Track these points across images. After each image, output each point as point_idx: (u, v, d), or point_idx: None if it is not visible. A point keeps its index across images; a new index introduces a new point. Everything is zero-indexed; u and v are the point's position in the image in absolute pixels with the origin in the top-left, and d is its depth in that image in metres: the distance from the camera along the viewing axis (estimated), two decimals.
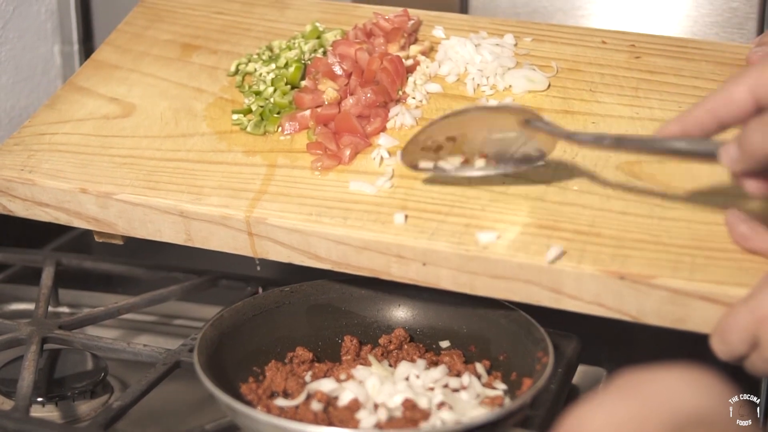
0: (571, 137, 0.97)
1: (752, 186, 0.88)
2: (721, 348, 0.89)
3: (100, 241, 1.13)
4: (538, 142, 0.99)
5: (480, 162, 1.01)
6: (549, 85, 1.14)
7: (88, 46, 1.55)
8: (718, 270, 0.91)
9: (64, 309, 1.31)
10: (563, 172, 1.03)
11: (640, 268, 0.92)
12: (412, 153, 1.02)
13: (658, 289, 0.91)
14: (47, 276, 1.25)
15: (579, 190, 1.00)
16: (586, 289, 0.93)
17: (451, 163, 1.02)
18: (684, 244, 0.94)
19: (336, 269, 1.02)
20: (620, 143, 0.94)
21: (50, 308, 1.25)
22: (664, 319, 0.92)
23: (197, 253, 1.08)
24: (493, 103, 1.04)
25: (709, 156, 0.88)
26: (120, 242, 1.12)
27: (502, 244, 0.96)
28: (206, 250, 1.06)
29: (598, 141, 0.95)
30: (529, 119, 0.98)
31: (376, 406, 0.96)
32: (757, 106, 0.86)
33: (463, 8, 1.39)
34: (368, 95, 1.10)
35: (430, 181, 1.03)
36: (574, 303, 0.94)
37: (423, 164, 1.02)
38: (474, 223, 0.98)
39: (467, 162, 1.02)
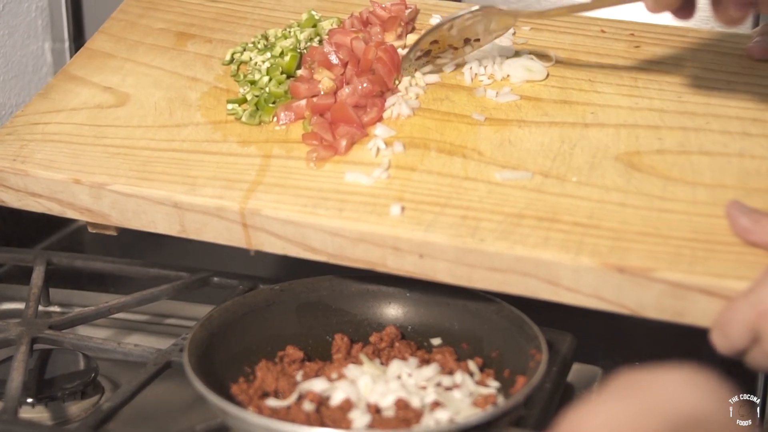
0: (520, 14, 1.12)
1: (679, 16, 0.98)
2: (721, 342, 0.88)
3: (94, 231, 1.12)
4: (500, 21, 1.12)
5: (467, 47, 1.14)
6: (547, 75, 1.13)
7: (79, 44, 1.54)
8: (719, 263, 0.90)
9: (55, 308, 1.29)
10: (561, 163, 1.01)
11: (639, 261, 0.91)
12: (409, 68, 1.13)
13: (658, 282, 0.90)
14: (37, 275, 1.24)
15: (577, 181, 0.99)
16: (585, 282, 0.92)
17: (445, 57, 1.14)
18: (684, 236, 0.93)
19: (331, 261, 1.00)
20: (559, 12, 1.12)
21: (40, 308, 1.23)
22: (664, 312, 0.91)
23: (189, 251, 1.07)
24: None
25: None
26: (114, 233, 1.11)
27: (499, 236, 0.95)
28: (198, 248, 1.05)
29: (536, 14, 1.13)
30: (485, 10, 1.12)
31: (368, 406, 0.95)
32: None
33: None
34: (364, 85, 1.09)
35: (427, 171, 1.02)
36: (573, 296, 0.93)
37: (423, 69, 1.13)
38: (471, 215, 0.97)
39: (457, 50, 1.14)
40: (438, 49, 1.13)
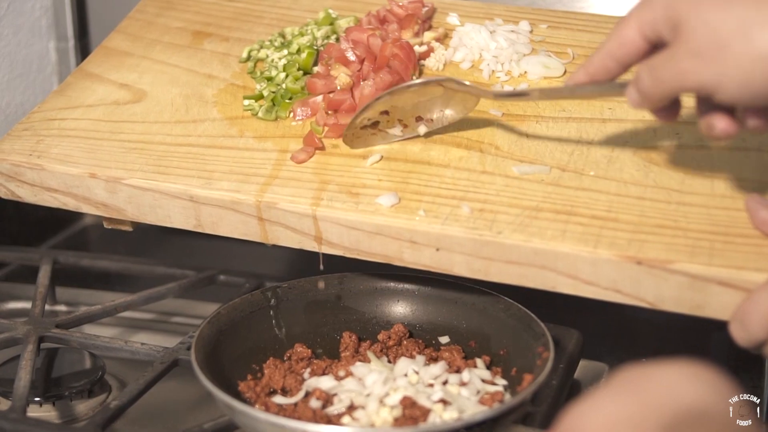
0: (486, 93, 1.02)
1: (662, 117, 0.90)
2: (740, 335, 0.87)
3: (109, 227, 1.12)
4: (461, 100, 1.04)
5: (421, 126, 1.05)
6: (565, 72, 1.12)
7: (83, 43, 1.54)
8: (738, 255, 0.89)
9: (62, 307, 1.29)
10: (579, 157, 1.01)
11: (657, 253, 0.90)
12: (353, 136, 1.05)
13: (676, 274, 0.89)
14: (44, 274, 1.24)
15: (595, 175, 0.99)
16: (603, 275, 0.92)
17: (395, 131, 1.05)
18: (702, 229, 0.92)
19: (348, 255, 1.00)
20: (531, 95, 0.99)
21: (47, 307, 1.24)
22: (682, 305, 0.90)
23: (195, 249, 1.07)
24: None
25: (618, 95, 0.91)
26: (129, 228, 1.11)
27: (517, 228, 0.94)
28: (204, 246, 1.04)
29: (511, 95, 1.02)
30: (449, 82, 1.03)
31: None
32: (648, 43, 0.87)
33: None
34: (384, 77, 1.08)
35: (443, 166, 1.02)
36: (591, 289, 0.93)
37: (371, 141, 1.05)
38: (488, 208, 0.96)
39: (406, 127, 1.05)
40: (387, 123, 1.05)
